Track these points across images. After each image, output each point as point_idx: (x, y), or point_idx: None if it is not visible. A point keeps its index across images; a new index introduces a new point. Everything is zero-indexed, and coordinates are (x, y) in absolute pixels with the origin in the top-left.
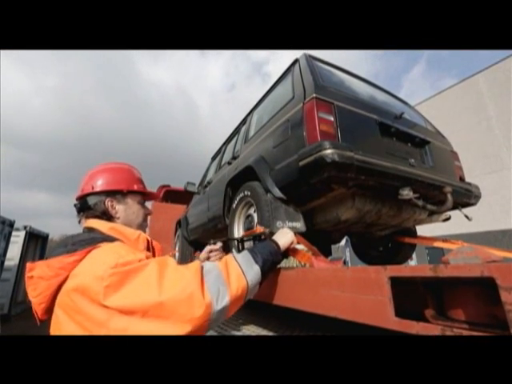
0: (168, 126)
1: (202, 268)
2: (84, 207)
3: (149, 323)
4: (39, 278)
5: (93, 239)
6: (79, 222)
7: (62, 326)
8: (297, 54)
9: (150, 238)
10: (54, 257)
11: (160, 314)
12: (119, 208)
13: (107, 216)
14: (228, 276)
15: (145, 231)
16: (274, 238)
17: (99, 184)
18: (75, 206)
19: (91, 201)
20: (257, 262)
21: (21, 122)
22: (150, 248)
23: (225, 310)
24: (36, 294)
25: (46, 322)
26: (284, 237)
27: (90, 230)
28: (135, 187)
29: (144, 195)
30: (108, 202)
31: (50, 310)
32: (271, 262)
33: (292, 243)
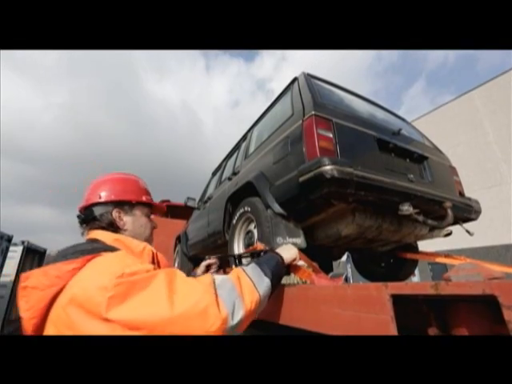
0: (172, 142)
1: (214, 281)
2: (89, 218)
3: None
4: (33, 289)
5: (94, 249)
6: (82, 233)
7: None
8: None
9: (155, 251)
10: (51, 264)
11: (169, 330)
12: (127, 220)
13: (114, 227)
14: (241, 289)
15: (151, 245)
16: (278, 251)
17: (107, 194)
18: (78, 216)
19: (97, 211)
20: (266, 274)
21: (29, 137)
22: (154, 261)
23: (239, 324)
24: (28, 306)
25: None
26: (288, 252)
27: (93, 241)
28: (144, 199)
29: (151, 208)
30: (115, 213)
31: (41, 327)
32: (278, 275)
33: (295, 259)
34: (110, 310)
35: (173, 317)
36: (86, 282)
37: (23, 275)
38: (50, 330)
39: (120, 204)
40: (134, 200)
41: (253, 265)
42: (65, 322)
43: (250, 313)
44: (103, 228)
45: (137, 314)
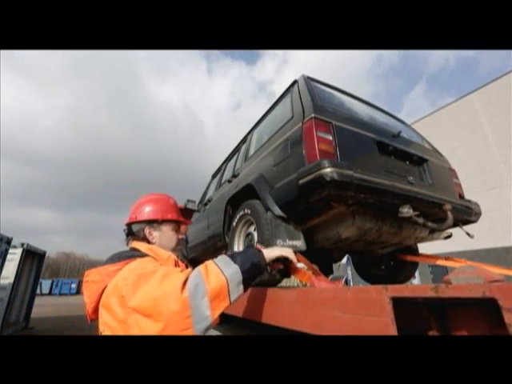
0: (174, 145)
1: (190, 272)
2: (130, 233)
3: (145, 319)
4: (91, 283)
5: (132, 255)
6: (127, 243)
7: (105, 320)
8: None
9: (176, 259)
10: (103, 266)
11: (150, 312)
12: (155, 234)
13: (147, 240)
14: (207, 275)
15: (178, 254)
16: (259, 247)
17: (140, 214)
18: (124, 230)
19: (134, 228)
20: (235, 261)
21: (30, 139)
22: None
23: (205, 305)
24: (88, 295)
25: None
26: (270, 250)
27: (133, 249)
28: (169, 216)
29: (178, 222)
30: (147, 230)
31: (97, 310)
32: (251, 263)
33: (280, 256)
34: (127, 293)
35: (155, 298)
36: (119, 277)
37: (86, 272)
38: (102, 312)
39: (150, 222)
40: (161, 219)
41: (223, 255)
42: (108, 307)
43: (216, 293)
44: (140, 240)
45: (141, 300)
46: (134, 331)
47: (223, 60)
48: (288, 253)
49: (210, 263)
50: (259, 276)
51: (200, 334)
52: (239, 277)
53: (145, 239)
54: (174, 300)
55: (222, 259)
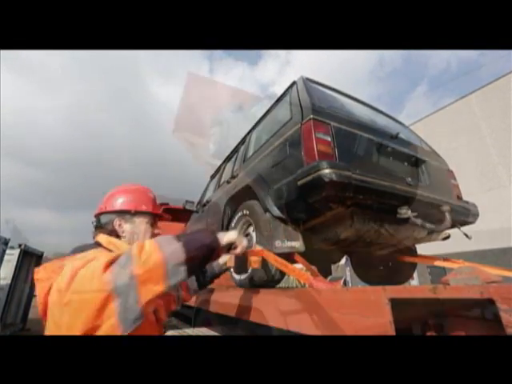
0: (175, 145)
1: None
2: (98, 225)
3: (72, 314)
4: (40, 281)
5: (85, 247)
6: (93, 237)
7: (56, 320)
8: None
9: None
10: (50, 262)
11: (77, 304)
12: (126, 227)
13: (116, 234)
14: (140, 252)
15: None
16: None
17: (111, 204)
18: (92, 223)
19: (103, 219)
20: (179, 240)
21: (32, 139)
22: None
23: (133, 289)
24: (38, 294)
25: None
26: (226, 234)
27: (96, 243)
28: (144, 208)
29: (154, 216)
30: (116, 221)
31: (46, 310)
32: (200, 243)
33: (234, 240)
34: (62, 292)
35: (81, 283)
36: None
37: (35, 269)
38: (49, 314)
39: (121, 213)
40: (133, 209)
41: (168, 235)
42: (56, 303)
43: (148, 275)
44: (108, 233)
45: (72, 292)
46: (62, 331)
47: (225, 61)
48: (234, 235)
49: (147, 240)
50: (212, 259)
51: (127, 326)
52: (181, 257)
53: (113, 232)
54: (95, 284)
55: (164, 237)
